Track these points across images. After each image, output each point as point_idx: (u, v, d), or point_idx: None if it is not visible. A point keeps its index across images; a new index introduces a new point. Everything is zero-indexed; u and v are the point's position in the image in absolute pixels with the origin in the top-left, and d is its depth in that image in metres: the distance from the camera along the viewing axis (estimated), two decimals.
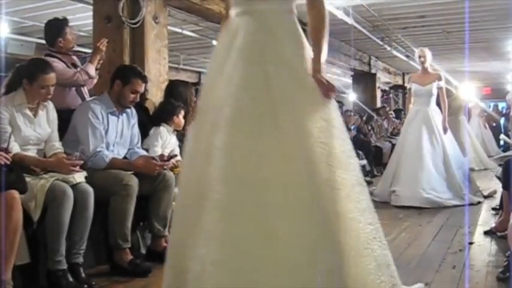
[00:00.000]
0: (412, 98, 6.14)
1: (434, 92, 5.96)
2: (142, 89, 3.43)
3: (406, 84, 6.14)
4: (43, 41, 4.06)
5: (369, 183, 5.67)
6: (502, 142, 12.25)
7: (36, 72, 2.86)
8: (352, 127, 7.75)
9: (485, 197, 5.74)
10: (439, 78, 6.03)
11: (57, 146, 3.06)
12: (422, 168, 5.59)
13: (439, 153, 5.73)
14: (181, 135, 3.97)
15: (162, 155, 3.46)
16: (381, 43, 8.59)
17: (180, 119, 3.85)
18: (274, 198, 1.75)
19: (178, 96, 4.02)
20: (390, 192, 5.67)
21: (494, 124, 14.47)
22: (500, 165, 4.85)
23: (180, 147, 3.88)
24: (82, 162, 2.90)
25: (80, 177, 2.88)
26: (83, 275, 2.83)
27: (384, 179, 6.14)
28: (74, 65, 3.81)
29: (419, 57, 6.04)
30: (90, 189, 2.87)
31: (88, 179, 2.93)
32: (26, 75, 2.87)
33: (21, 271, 2.62)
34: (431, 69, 6.19)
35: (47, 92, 2.91)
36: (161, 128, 3.75)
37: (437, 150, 5.74)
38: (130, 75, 3.35)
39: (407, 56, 10.14)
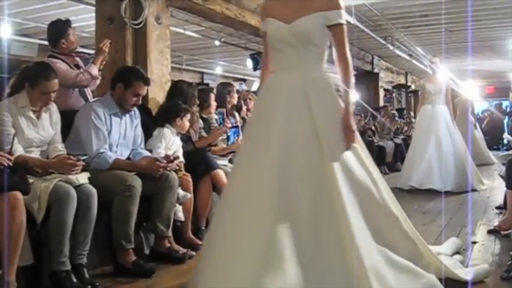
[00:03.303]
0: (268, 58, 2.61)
1: (319, 38, 2.49)
2: (144, 92, 3.42)
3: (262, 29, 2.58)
4: (46, 43, 4.07)
5: None
6: (505, 141, 12.22)
7: (38, 78, 2.85)
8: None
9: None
10: (335, 5, 2.47)
11: (60, 148, 3.06)
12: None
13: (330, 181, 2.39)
14: (185, 137, 3.97)
15: (167, 156, 3.45)
16: (384, 42, 8.57)
17: (184, 122, 3.82)
18: None
19: (182, 97, 4.01)
20: None
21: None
22: (503, 164, 4.80)
23: (183, 148, 3.88)
24: (84, 163, 2.91)
25: (83, 178, 2.88)
26: (87, 275, 2.83)
27: None
28: (77, 66, 3.82)
29: None
30: (93, 190, 2.88)
31: (91, 180, 2.93)
32: (29, 80, 2.87)
33: (24, 272, 2.62)
34: None
35: (47, 98, 2.91)
36: (165, 129, 3.74)
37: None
38: (133, 78, 3.32)
39: (410, 55, 10.13)
